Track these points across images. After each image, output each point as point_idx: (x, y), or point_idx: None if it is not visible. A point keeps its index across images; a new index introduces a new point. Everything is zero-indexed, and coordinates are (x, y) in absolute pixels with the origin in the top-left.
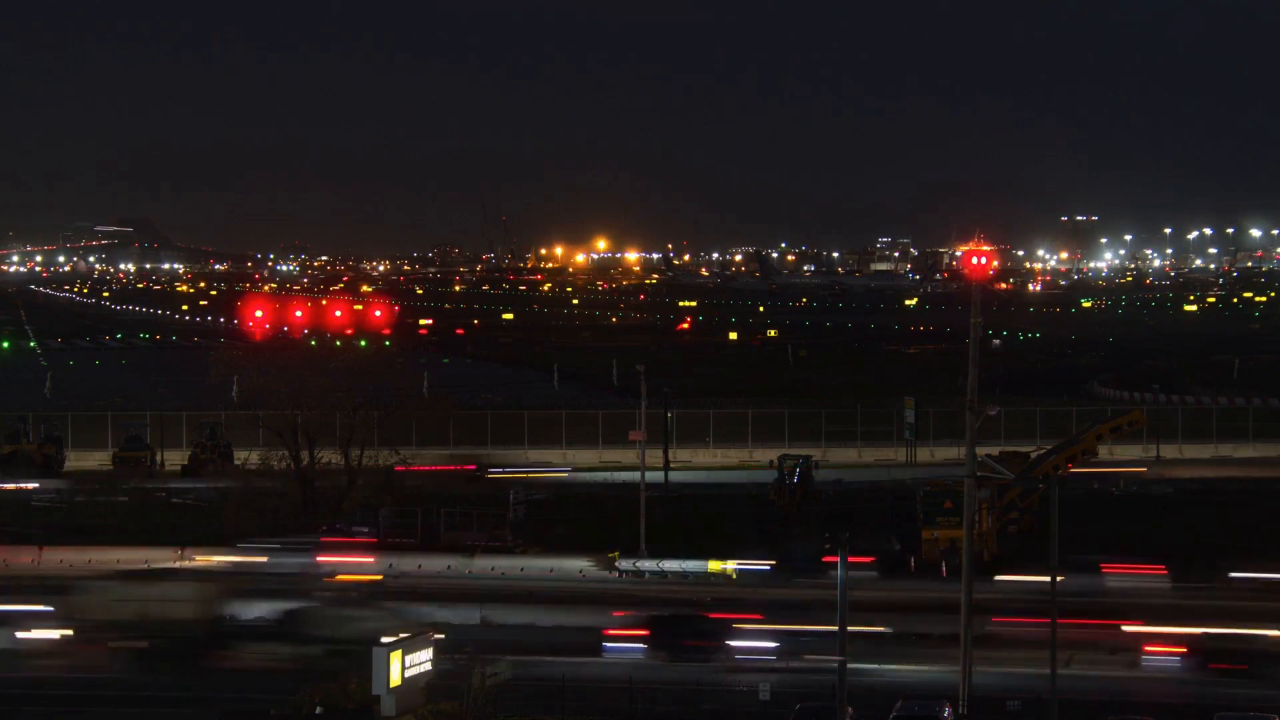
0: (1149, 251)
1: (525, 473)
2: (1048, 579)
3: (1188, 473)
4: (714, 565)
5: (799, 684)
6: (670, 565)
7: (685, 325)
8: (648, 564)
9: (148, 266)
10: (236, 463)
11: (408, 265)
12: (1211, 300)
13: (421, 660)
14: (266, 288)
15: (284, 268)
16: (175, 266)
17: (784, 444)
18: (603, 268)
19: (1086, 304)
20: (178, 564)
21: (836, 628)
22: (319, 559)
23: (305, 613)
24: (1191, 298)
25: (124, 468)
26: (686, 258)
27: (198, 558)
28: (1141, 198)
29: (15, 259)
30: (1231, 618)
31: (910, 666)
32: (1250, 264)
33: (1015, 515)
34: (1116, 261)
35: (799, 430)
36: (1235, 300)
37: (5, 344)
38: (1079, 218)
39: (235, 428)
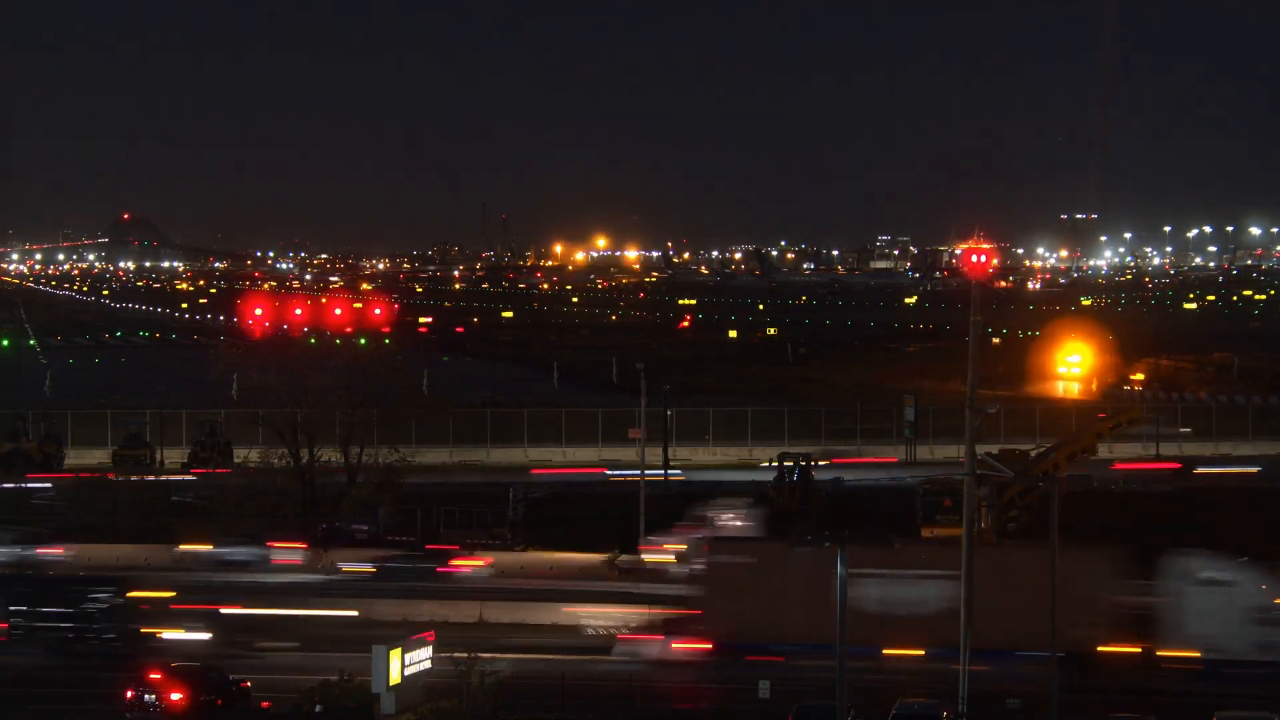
0: (1149, 250)
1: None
2: None
3: None
4: None
5: (799, 682)
6: None
7: (685, 323)
8: None
9: (147, 264)
10: (237, 461)
11: (407, 263)
12: (1211, 299)
13: (421, 659)
14: (266, 285)
15: (283, 265)
16: (175, 264)
17: (783, 442)
18: (602, 266)
19: (1086, 302)
20: None
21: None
22: None
23: None
24: (1191, 296)
25: (123, 465)
26: (686, 255)
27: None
28: (1141, 196)
29: (15, 257)
30: None
31: None
32: (1250, 262)
33: (1015, 513)
34: (1116, 260)
35: (799, 429)
36: (1235, 298)
37: (5, 342)
38: (1079, 216)
39: (235, 426)
